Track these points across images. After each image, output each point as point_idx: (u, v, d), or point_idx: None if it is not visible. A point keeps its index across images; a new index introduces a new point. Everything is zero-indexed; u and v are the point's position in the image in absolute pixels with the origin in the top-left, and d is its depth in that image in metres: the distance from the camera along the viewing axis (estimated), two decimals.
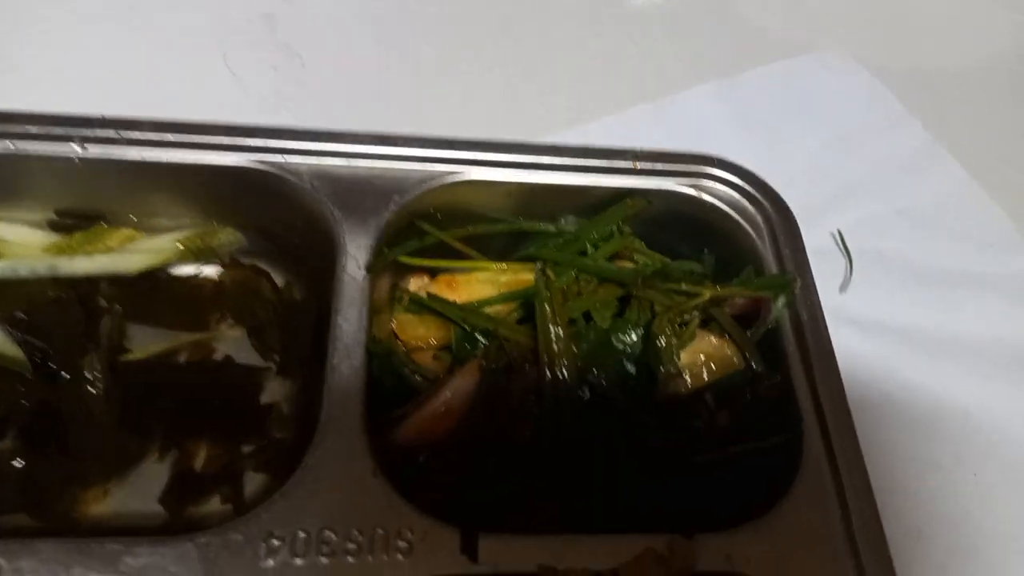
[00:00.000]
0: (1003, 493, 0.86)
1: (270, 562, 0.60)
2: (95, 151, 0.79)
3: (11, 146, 0.78)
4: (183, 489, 0.74)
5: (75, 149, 0.78)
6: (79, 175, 0.80)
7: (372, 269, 0.75)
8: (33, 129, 0.78)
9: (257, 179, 0.81)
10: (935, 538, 0.80)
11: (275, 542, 0.61)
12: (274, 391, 0.82)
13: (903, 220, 1.09)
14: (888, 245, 1.06)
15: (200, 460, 0.76)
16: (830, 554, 0.67)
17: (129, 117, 0.79)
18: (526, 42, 1.18)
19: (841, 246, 1.04)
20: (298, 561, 0.60)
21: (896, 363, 0.93)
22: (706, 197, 0.87)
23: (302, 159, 0.81)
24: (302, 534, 0.61)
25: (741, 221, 0.86)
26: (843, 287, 1.01)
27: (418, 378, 0.77)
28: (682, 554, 0.62)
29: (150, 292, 0.83)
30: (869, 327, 0.97)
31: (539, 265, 0.76)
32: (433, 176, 0.83)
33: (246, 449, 0.78)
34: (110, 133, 0.79)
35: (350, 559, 0.61)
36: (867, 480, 0.70)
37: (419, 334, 0.81)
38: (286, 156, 0.81)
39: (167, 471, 0.75)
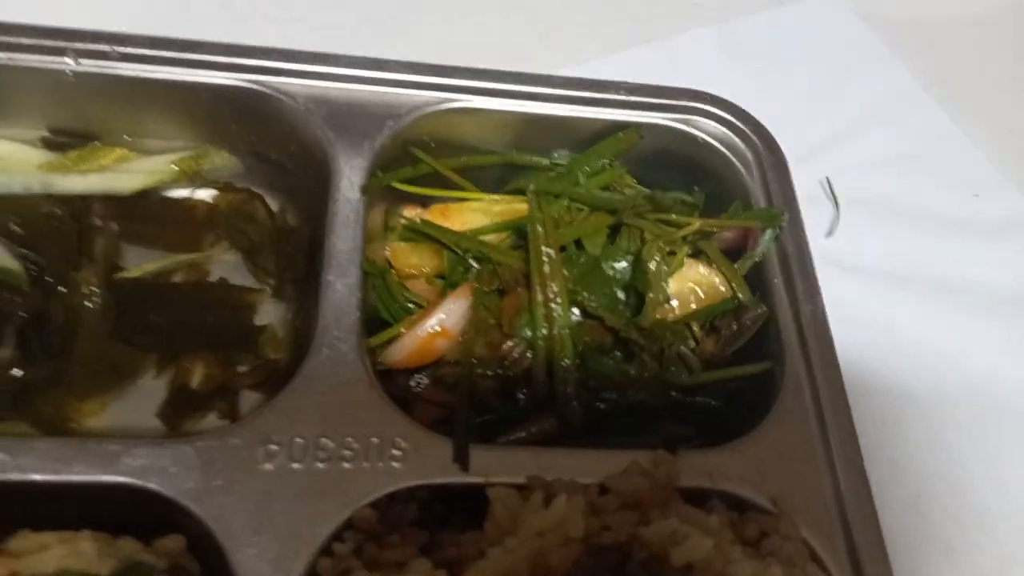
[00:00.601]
0: (981, 429, 0.89)
1: (268, 466, 0.62)
2: (89, 65, 0.78)
3: (3, 56, 0.77)
4: (180, 404, 0.75)
5: (68, 63, 0.78)
6: (72, 91, 0.80)
7: (366, 190, 0.76)
8: (26, 40, 0.77)
9: (251, 100, 0.81)
10: (909, 466, 0.83)
11: (273, 447, 0.62)
12: (268, 313, 0.83)
13: (889, 167, 1.12)
14: (873, 191, 1.08)
15: (196, 377, 0.77)
16: (809, 472, 0.69)
17: (123, 32, 0.78)
18: None
19: (829, 192, 1.06)
20: (295, 465, 0.62)
21: (880, 304, 0.96)
22: (697, 133, 0.88)
23: (296, 80, 0.81)
24: (299, 440, 0.63)
25: (731, 157, 0.87)
26: (830, 232, 1.03)
27: (411, 304, 0.78)
28: (666, 469, 0.64)
29: (144, 213, 0.84)
30: (854, 270, 0.99)
31: (532, 190, 0.76)
32: (428, 103, 0.83)
33: (241, 368, 0.79)
34: (103, 47, 0.78)
35: (346, 464, 0.63)
36: (847, 404, 0.73)
37: (412, 262, 0.82)
38: (280, 77, 0.80)
39: (164, 387, 0.76)
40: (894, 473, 0.84)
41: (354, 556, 0.58)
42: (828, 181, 1.07)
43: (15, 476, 0.58)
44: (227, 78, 0.80)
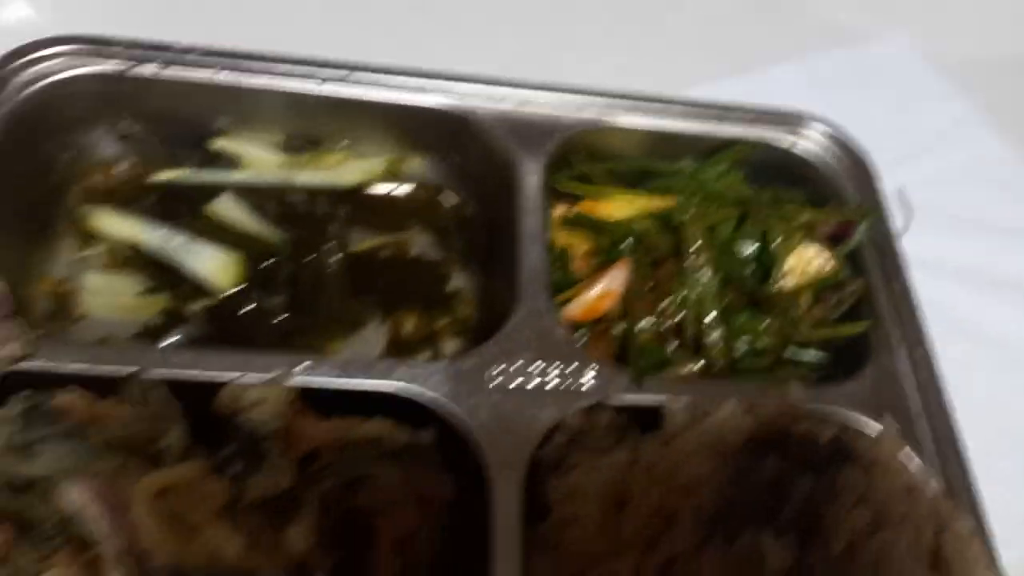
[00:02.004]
0: None
1: (496, 383, 0.82)
2: (328, 89, 1.01)
3: (263, 80, 1.00)
4: (398, 348, 0.96)
5: (315, 86, 1.00)
6: (310, 108, 1.02)
7: (544, 186, 0.97)
8: (282, 67, 1.00)
9: (447, 117, 1.03)
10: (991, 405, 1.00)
11: (498, 369, 0.83)
12: (457, 281, 1.04)
13: (953, 183, 1.31)
14: (940, 202, 1.27)
15: (408, 328, 0.98)
16: (901, 409, 0.88)
17: (358, 62, 1.01)
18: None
19: (901, 200, 1.26)
20: (515, 383, 0.82)
21: (946, 289, 1.14)
22: (800, 147, 1.08)
23: (483, 104, 1.03)
24: (520, 361, 0.83)
25: (828, 165, 1.08)
26: (903, 231, 1.22)
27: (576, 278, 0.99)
28: (795, 396, 0.83)
29: (359, 202, 1.05)
30: (923, 264, 1.18)
31: (683, 184, 0.97)
32: (584, 122, 1.05)
33: (440, 323, 1.00)
34: (342, 72, 1.01)
35: (552, 384, 0.83)
36: (933, 360, 0.91)
37: (570, 243, 1.03)
38: (472, 101, 1.02)
39: (385, 335, 0.97)
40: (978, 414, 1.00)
41: (566, 447, 0.79)
42: (900, 192, 1.26)
43: (318, 382, 0.79)
44: (429, 101, 1.02)
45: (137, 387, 0.73)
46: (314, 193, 1.04)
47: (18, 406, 0.56)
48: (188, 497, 0.60)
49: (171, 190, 1.01)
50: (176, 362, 0.78)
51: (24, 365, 0.74)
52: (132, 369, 0.75)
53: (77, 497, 0.56)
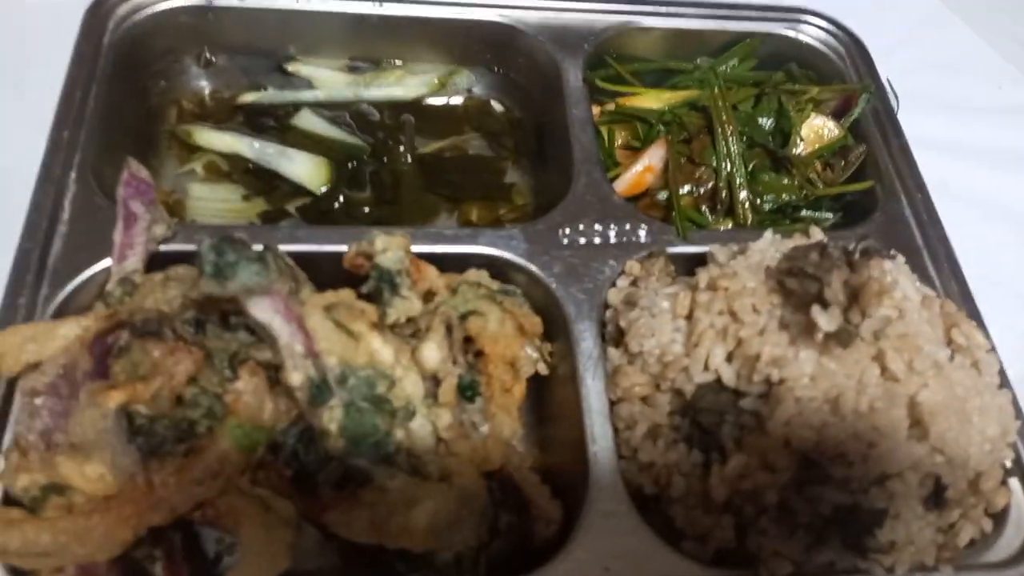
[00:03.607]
0: None
1: (565, 241, 0.96)
2: (386, 8, 1.14)
3: (326, 5, 1.12)
4: None
5: (374, 8, 1.13)
6: (371, 28, 1.15)
7: (586, 80, 1.11)
8: None
9: (494, 29, 1.16)
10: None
11: (566, 231, 0.97)
12: (512, 175, 1.18)
13: (932, 71, 1.45)
14: (920, 88, 1.42)
15: (474, 216, 1.12)
16: (907, 240, 1.03)
17: None
18: None
19: (890, 88, 1.40)
20: (582, 240, 0.97)
21: (932, 155, 1.28)
22: (803, 37, 1.23)
23: (526, 12, 1.16)
24: (580, 227, 0.98)
25: (829, 53, 1.22)
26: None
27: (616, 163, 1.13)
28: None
29: (419, 112, 1.19)
30: (911, 137, 1.33)
31: (708, 70, 1.12)
32: (612, 24, 1.18)
33: (501, 211, 1.14)
34: None
35: (612, 239, 0.97)
36: (931, 203, 1.06)
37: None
38: (515, 11, 1.16)
39: (455, 222, 1.11)
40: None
41: (631, 286, 0.93)
42: (889, 81, 1.41)
43: (419, 248, 0.93)
44: (477, 14, 1.16)
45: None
46: (380, 106, 1.17)
47: (208, 241, 0.69)
48: (349, 312, 0.74)
49: (255, 109, 1.14)
50: (298, 236, 0.92)
51: (165, 247, 0.88)
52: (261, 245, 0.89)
53: (268, 307, 0.70)
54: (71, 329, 0.75)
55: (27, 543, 0.65)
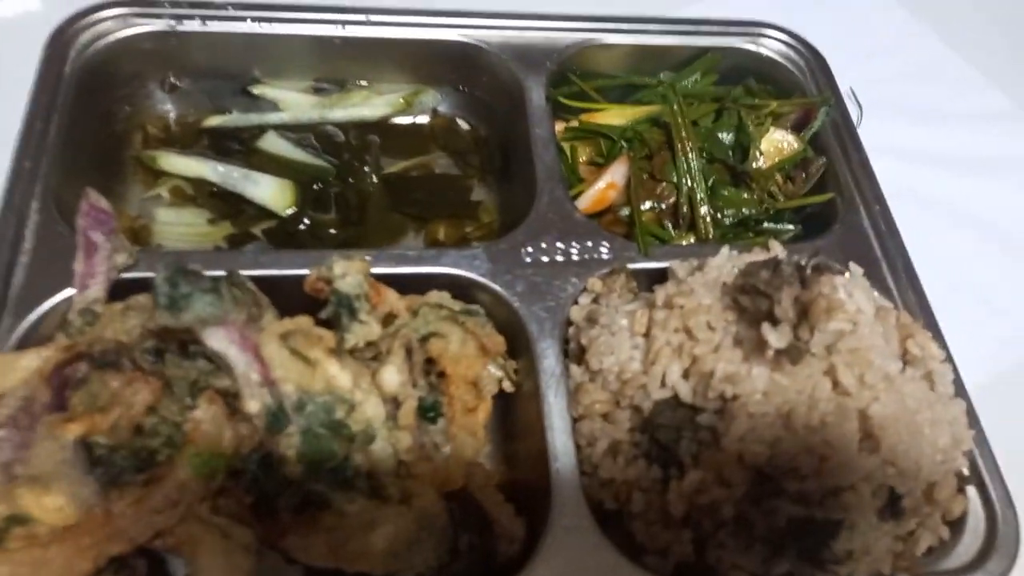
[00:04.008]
0: None
1: (527, 259, 0.97)
2: (350, 31, 1.15)
3: (289, 29, 1.13)
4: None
5: (338, 30, 1.14)
6: (336, 50, 1.16)
7: (549, 97, 1.13)
8: (308, 15, 1.13)
9: (458, 49, 1.17)
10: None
11: (528, 250, 0.98)
12: (479, 193, 1.19)
13: (897, 81, 1.48)
14: (886, 97, 1.44)
15: (440, 235, 1.13)
16: (868, 268, 1.04)
17: (373, 5, 1.14)
18: None
19: (853, 97, 1.42)
20: (544, 259, 0.98)
21: (896, 166, 1.30)
22: (763, 51, 1.24)
23: (489, 32, 1.17)
24: (543, 245, 0.99)
25: (789, 66, 1.24)
26: (857, 124, 1.39)
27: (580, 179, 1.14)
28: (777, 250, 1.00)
29: (384, 133, 1.20)
30: (875, 148, 1.35)
31: (667, 86, 1.13)
32: (577, 41, 1.20)
33: (468, 228, 1.15)
34: (360, 17, 1.14)
35: (574, 257, 0.98)
36: (889, 214, 1.08)
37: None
38: (478, 31, 1.17)
39: (422, 242, 1.12)
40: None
41: (592, 303, 0.94)
42: (852, 90, 1.42)
43: (383, 270, 0.93)
44: (440, 34, 1.17)
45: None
46: (346, 127, 1.18)
47: (162, 272, 0.69)
48: (305, 339, 0.74)
49: (220, 132, 1.14)
50: (261, 261, 0.93)
51: (127, 274, 0.89)
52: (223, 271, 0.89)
53: (223, 337, 0.71)
54: (31, 361, 0.75)
55: None
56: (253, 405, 0.71)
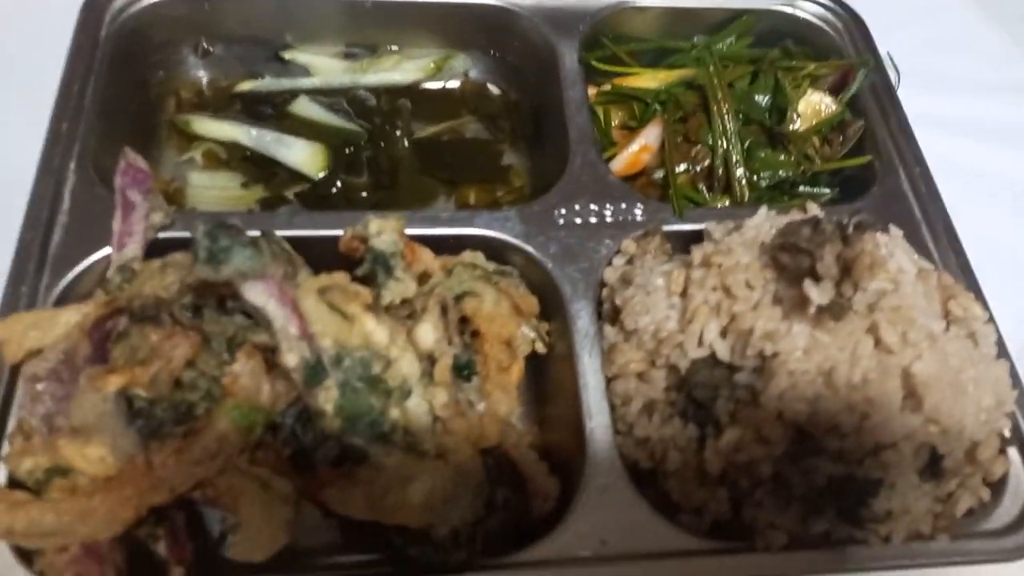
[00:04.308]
0: None
1: (560, 221, 0.97)
2: None
3: None
4: None
5: None
6: (365, 17, 1.16)
7: (582, 61, 1.11)
8: None
9: (490, 12, 1.16)
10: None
11: (561, 211, 0.97)
12: (509, 157, 1.18)
13: (934, 49, 1.44)
14: (924, 65, 1.40)
15: (471, 198, 1.12)
16: (908, 231, 1.01)
17: None
18: None
19: (892, 62, 1.39)
20: (577, 220, 0.97)
21: (933, 131, 1.28)
22: (800, 13, 1.22)
23: None
24: (576, 207, 0.98)
25: (827, 28, 1.21)
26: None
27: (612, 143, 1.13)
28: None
29: (415, 97, 1.19)
30: (913, 119, 1.32)
31: (703, 48, 1.11)
32: (608, 4, 1.18)
33: (499, 193, 1.14)
34: None
35: (607, 219, 0.97)
36: (930, 176, 1.06)
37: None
38: None
39: (452, 205, 1.12)
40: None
41: (626, 264, 0.93)
42: (890, 55, 1.39)
43: (416, 231, 0.93)
44: None
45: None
46: (377, 91, 1.17)
47: (202, 227, 0.70)
48: (343, 294, 0.74)
49: (253, 97, 1.14)
50: (295, 222, 0.93)
51: (163, 234, 0.89)
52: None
53: (262, 291, 0.71)
54: (72, 316, 0.76)
55: (32, 524, 0.67)
56: (291, 359, 0.71)
